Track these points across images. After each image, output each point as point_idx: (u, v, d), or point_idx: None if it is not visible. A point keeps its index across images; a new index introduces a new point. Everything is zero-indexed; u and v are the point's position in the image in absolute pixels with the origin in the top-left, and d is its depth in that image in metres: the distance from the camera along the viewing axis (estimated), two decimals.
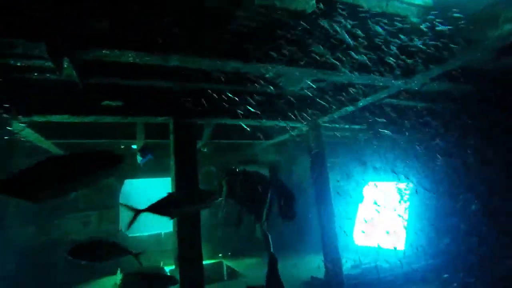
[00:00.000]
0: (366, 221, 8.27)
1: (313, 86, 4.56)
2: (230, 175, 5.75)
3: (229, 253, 8.82)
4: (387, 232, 7.48)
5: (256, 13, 2.73)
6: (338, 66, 3.38)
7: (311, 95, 4.88)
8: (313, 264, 6.20)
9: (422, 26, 3.21)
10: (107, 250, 3.21)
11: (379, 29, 3.17)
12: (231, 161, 7.79)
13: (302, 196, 5.41)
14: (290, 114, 5.06)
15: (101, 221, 8.21)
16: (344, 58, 3.35)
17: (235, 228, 5.73)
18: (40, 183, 1.77)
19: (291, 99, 4.93)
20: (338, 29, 3.07)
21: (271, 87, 4.28)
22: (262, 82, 4.17)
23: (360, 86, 4.41)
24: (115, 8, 2.56)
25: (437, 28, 3.14)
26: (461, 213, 5.41)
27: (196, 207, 3.44)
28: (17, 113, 3.84)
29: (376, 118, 5.63)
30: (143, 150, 5.67)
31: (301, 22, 2.94)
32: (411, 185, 7.42)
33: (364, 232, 8.26)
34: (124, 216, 8.73)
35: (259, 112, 4.76)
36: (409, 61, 3.56)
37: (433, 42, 3.34)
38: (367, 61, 3.44)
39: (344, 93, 4.60)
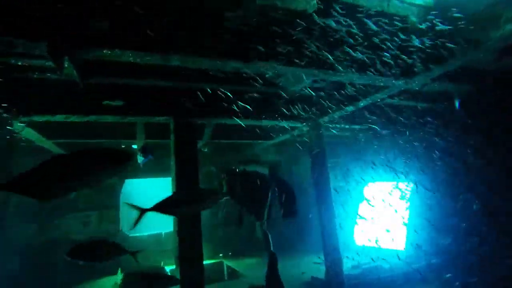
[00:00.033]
0: (366, 221, 8.27)
1: (314, 86, 4.56)
2: (230, 175, 5.76)
3: (230, 253, 8.82)
4: (388, 231, 7.48)
5: (257, 13, 2.73)
6: (339, 66, 3.37)
7: (311, 95, 4.88)
8: (314, 264, 6.20)
9: (423, 26, 3.20)
10: (105, 250, 3.22)
11: (380, 29, 3.17)
12: (231, 161, 7.79)
13: (303, 196, 5.41)
14: (290, 114, 5.06)
15: (101, 221, 8.21)
16: (344, 58, 3.35)
17: (236, 228, 5.73)
18: (49, 181, 1.79)
19: (292, 99, 4.93)
20: (338, 29, 3.07)
21: (272, 87, 4.28)
22: (262, 82, 4.17)
23: (361, 86, 4.41)
24: (115, 8, 2.56)
25: (437, 28, 3.14)
26: (462, 213, 5.41)
27: (200, 206, 3.46)
28: (17, 113, 3.84)
29: (377, 118, 5.62)
30: (143, 150, 5.67)
31: (302, 22, 2.93)
32: (411, 185, 7.41)
33: (364, 232, 8.26)
34: (124, 216, 8.74)
35: (259, 112, 4.76)
36: (409, 61, 3.55)
37: (433, 42, 3.33)
38: (368, 61, 3.43)
39: (344, 93, 4.60)
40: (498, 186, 5.06)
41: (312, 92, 4.80)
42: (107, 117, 4.27)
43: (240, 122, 4.87)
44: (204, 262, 4.35)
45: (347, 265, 6.04)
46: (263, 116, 4.96)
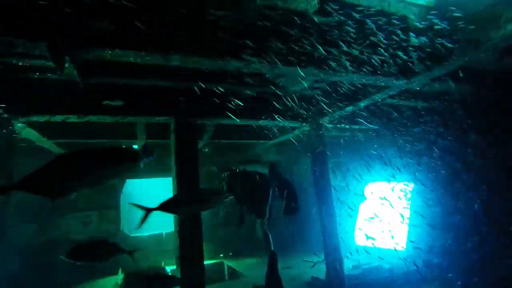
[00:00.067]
0: (367, 221, 8.27)
1: (314, 86, 4.55)
2: (230, 174, 5.76)
3: (230, 253, 8.82)
4: (388, 231, 7.47)
5: (257, 13, 2.73)
6: (339, 66, 3.37)
7: (312, 95, 4.87)
8: (313, 265, 6.19)
9: (423, 26, 3.20)
10: (102, 250, 3.24)
11: (379, 28, 3.16)
12: (232, 161, 7.79)
13: (303, 196, 5.40)
14: (291, 114, 5.05)
15: (101, 221, 8.20)
16: (345, 58, 3.34)
17: (236, 228, 5.73)
18: (59, 179, 1.80)
19: (292, 99, 4.92)
20: (338, 28, 3.07)
21: (272, 87, 4.27)
22: (263, 82, 4.16)
23: (361, 86, 4.40)
24: (115, 8, 2.55)
25: (438, 28, 3.14)
26: (462, 213, 5.41)
27: (205, 206, 3.48)
28: (17, 113, 3.84)
29: (377, 118, 5.62)
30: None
31: (302, 22, 2.93)
32: (411, 184, 7.41)
33: (365, 232, 8.26)
34: (125, 216, 8.74)
35: (259, 112, 4.75)
36: (410, 61, 3.55)
37: (434, 42, 3.33)
38: (368, 61, 3.43)
39: (345, 93, 4.59)
40: (498, 186, 5.06)
41: (312, 92, 4.80)
42: (107, 117, 4.27)
43: (241, 122, 4.87)
44: (205, 262, 4.35)
45: (348, 265, 6.03)
46: (263, 116, 4.96)
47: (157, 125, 4.82)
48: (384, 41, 3.29)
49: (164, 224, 7.75)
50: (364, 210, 8.73)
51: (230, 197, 3.51)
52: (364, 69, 3.46)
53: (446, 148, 5.70)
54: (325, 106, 4.99)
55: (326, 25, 3.06)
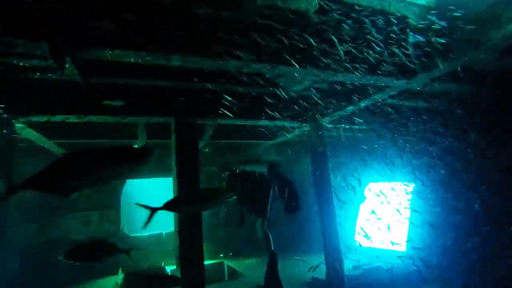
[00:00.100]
0: (367, 221, 8.27)
1: (315, 86, 4.55)
2: (230, 175, 5.76)
3: (230, 253, 8.82)
4: (388, 232, 7.47)
5: (258, 13, 2.72)
6: (339, 66, 3.37)
7: (312, 95, 4.87)
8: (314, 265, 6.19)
9: (424, 26, 3.20)
10: (102, 250, 3.24)
11: (379, 28, 3.16)
12: (232, 161, 7.79)
13: (304, 196, 5.40)
14: (291, 114, 5.05)
15: (101, 221, 8.20)
16: (345, 58, 3.34)
17: (236, 228, 5.73)
18: (70, 178, 1.81)
19: (293, 99, 4.93)
20: (338, 28, 3.06)
21: (272, 88, 4.27)
22: (263, 82, 4.16)
23: (362, 86, 4.40)
24: (116, 8, 2.55)
25: (438, 28, 3.14)
26: (462, 213, 5.41)
27: (210, 205, 3.49)
28: (17, 113, 3.83)
29: (377, 118, 5.62)
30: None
31: (302, 22, 2.93)
32: (412, 185, 7.41)
33: (365, 233, 8.26)
34: (125, 216, 8.74)
35: (260, 112, 4.75)
36: (410, 61, 3.55)
37: (434, 42, 3.33)
38: (369, 61, 3.43)
39: (345, 93, 4.59)
40: (498, 186, 5.06)
41: (313, 93, 4.80)
42: (107, 117, 4.27)
43: (241, 122, 4.87)
44: (205, 262, 4.35)
45: (348, 265, 6.03)
46: (263, 116, 4.96)
47: (158, 125, 4.82)
48: (384, 41, 3.29)
49: (164, 224, 7.75)
50: (364, 210, 8.73)
51: (234, 197, 3.53)
52: (364, 69, 3.46)
53: (446, 148, 5.70)
54: (325, 106, 4.99)
55: (326, 25, 3.06)
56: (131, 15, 2.59)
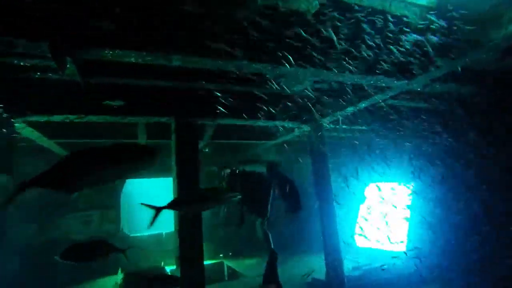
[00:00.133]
0: (367, 221, 8.27)
1: (315, 86, 4.54)
2: (230, 174, 5.76)
3: (230, 253, 8.82)
4: (388, 232, 7.47)
5: (258, 13, 2.72)
6: (340, 66, 3.37)
7: (313, 95, 4.86)
8: (314, 265, 6.20)
9: (424, 26, 3.20)
10: (96, 249, 3.25)
11: (380, 28, 3.16)
12: (232, 161, 7.79)
13: (304, 196, 5.40)
14: (291, 114, 5.05)
15: (101, 221, 8.20)
16: (345, 58, 3.34)
17: (236, 228, 5.73)
18: (80, 175, 1.82)
19: (293, 99, 4.92)
20: (338, 28, 3.06)
21: (272, 88, 4.27)
22: (263, 82, 4.16)
23: (362, 87, 4.40)
24: (116, 8, 2.55)
25: (438, 28, 3.13)
26: (463, 213, 5.41)
27: (213, 204, 3.50)
28: (17, 113, 3.83)
29: (377, 119, 5.61)
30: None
31: (303, 22, 2.93)
32: (412, 185, 7.41)
33: (365, 233, 8.26)
34: (125, 216, 8.74)
35: (261, 113, 4.74)
36: (411, 61, 3.54)
37: (435, 43, 3.32)
38: (369, 61, 3.42)
39: (346, 94, 4.59)
40: (498, 186, 5.06)
41: (311, 94, 4.79)
42: (107, 117, 4.26)
43: (242, 123, 4.86)
44: (205, 262, 4.35)
45: (348, 266, 6.03)
46: (263, 117, 4.95)
47: (158, 125, 4.81)
48: (384, 41, 3.29)
49: (164, 224, 7.75)
50: (364, 210, 8.73)
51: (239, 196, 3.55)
52: (364, 69, 3.46)
53: (446, 148, 5.70)
54: (325, 107, 4.99)
55: (326, 25, 3.05)
56: (131, 15, 2.58)
